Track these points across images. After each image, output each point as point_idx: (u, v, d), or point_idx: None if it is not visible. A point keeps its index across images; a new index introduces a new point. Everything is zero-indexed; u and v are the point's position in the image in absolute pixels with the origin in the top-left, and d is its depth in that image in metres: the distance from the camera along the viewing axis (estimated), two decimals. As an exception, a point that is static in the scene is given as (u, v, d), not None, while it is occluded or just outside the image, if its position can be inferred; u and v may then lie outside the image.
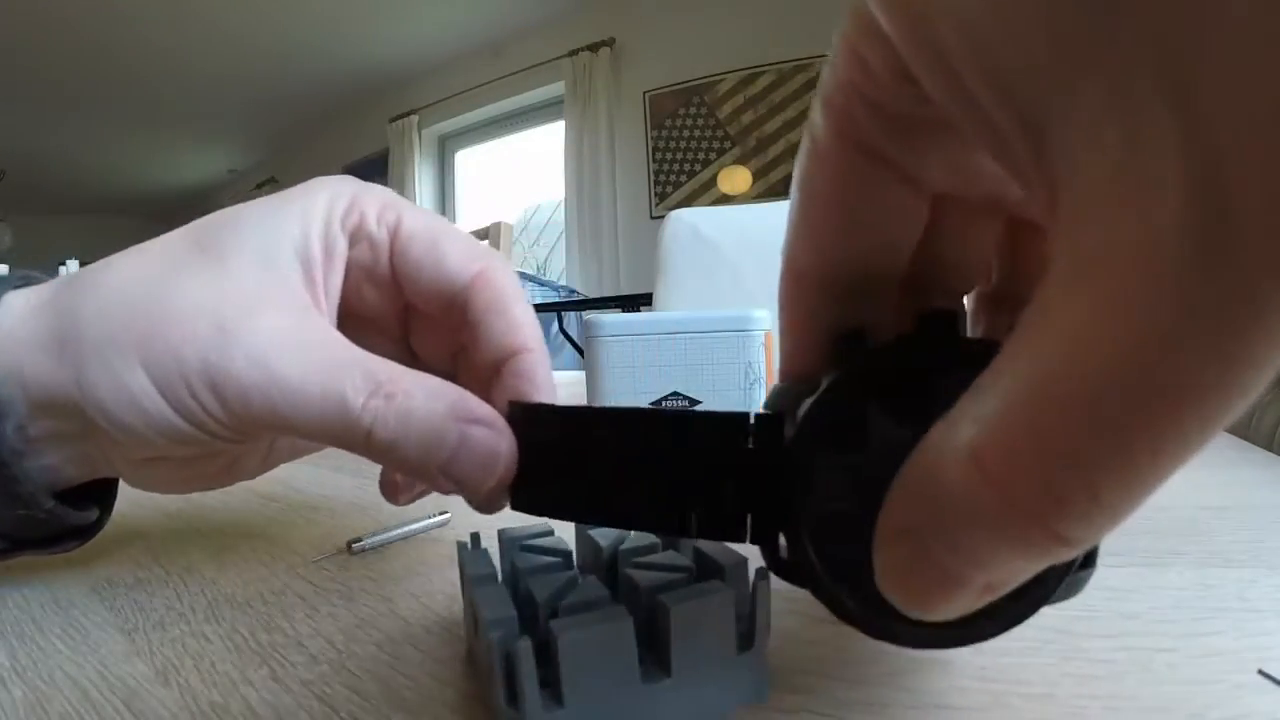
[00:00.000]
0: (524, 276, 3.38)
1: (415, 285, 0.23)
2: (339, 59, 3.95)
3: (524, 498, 0.18)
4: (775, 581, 0.15)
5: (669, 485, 0.14)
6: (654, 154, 3.45)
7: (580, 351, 1.94)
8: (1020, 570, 0.10)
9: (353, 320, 0.23)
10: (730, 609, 0.15)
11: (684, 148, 3.38)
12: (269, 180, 5.05)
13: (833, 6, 0.12)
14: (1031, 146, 0.09)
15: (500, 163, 4.41)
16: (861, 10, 0.11)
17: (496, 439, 0.18)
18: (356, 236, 0.22)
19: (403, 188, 4.25)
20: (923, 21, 0.10)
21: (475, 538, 0.20)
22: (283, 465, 0.27)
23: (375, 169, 4.42)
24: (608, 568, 0.19)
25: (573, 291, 3.39)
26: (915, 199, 0.14)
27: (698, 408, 0.45)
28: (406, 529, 0.30)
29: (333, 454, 0.19)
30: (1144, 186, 0.07)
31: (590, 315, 0.50)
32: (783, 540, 0.14)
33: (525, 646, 0.13)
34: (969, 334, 0.18)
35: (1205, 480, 0.33)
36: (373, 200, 0.22)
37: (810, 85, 2.96)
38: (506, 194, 4.39)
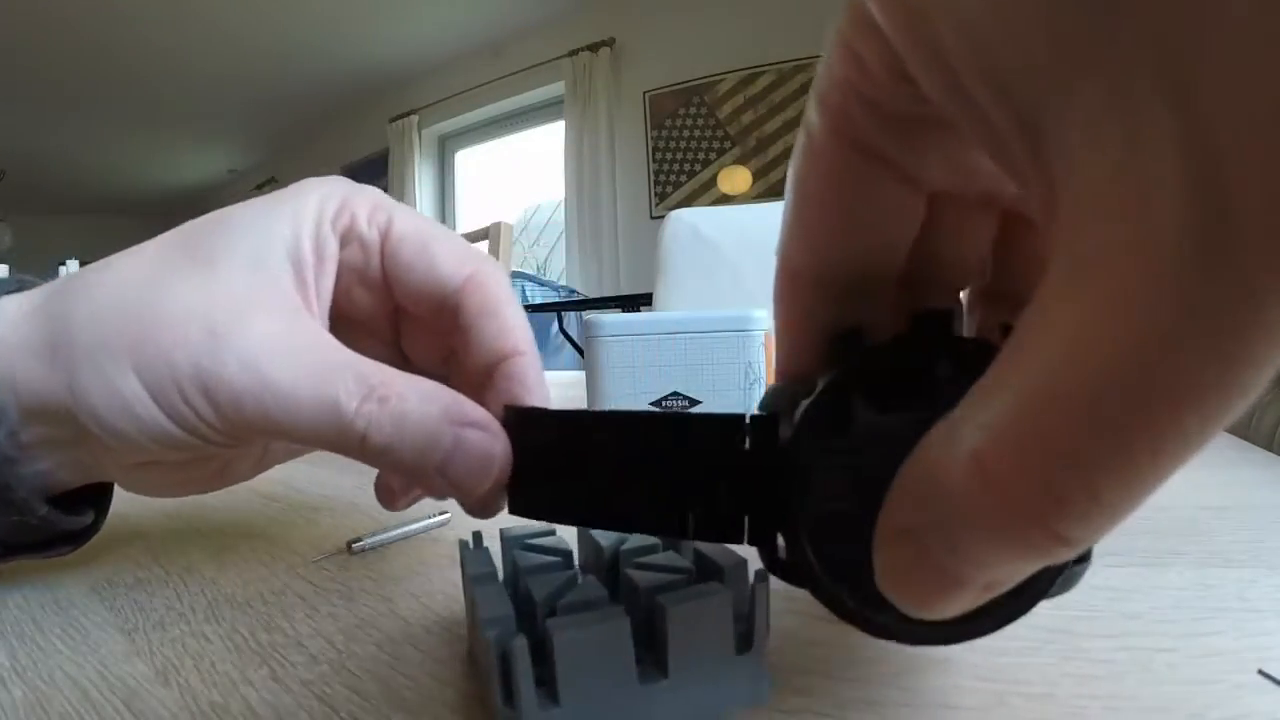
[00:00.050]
0: (524, 276, 3.38)
1: (406, 288, 0.23)
2: (339, 59, 3.95)
3: (521, 501, 0.18)
4: (775, 581, 0.15)
5: (665, 487, 0.14)
6: (654, 154, 3.45)
7: (580, 351, 1.94)
8: (1019, 570, 0.10)
9: (344, 323, 0.23)
10: (729, 610, 0.15)
11: (684, 148, 3.38)
12: (269, 180, 5.05)
13: (833, 6, 0.12)
14: (1029, 146, 0.09)
15: (500, 163, 4.42)
16: (857, 6, 0.11)
17: (491, 441, 0.18)
18: (347, 238, 0.22)
19: (403, 188, 4.26)
20: (920, 19, 0.10)
21: (477, 537, 0.20)
22: (283, 465, 0.27)
23: (375, 169, 4.42)
24: (609, 568, 0.19)
25: (573, 291, 3.39)
26: (912, 197, 0.14)
27: (697, 408, 0.45)
28: (406, 529, 0.30)
29: (331, 454, 0.19)
30: (1144, 187, 0.07)
31: (590, 315, 0.50)
32: (781, 540, 0.14)
33: (521, 645, 0.13)
34: (965, 330, 0.18)
35: (1205, 480, 0.33)
36: (363, 201, 0.22)
37: (810, 85, 2.94)
38: (506, 194, 4.40)
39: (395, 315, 0.24)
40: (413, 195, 4.27)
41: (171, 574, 0.26)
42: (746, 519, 0.14)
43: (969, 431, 0.09)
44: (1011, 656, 0.17)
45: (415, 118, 4.30)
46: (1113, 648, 0.18)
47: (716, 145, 3.30)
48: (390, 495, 0.24)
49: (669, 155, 3.42)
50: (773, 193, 3.08)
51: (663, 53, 3.39)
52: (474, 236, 1.47)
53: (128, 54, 3.56)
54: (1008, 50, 0.09)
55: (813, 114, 0.13)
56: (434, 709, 0.17)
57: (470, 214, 4.46)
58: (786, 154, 3.17)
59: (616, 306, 2.44)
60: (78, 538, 0.24)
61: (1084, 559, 0.14)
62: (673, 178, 3.41)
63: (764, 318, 0.46)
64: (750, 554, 0.16)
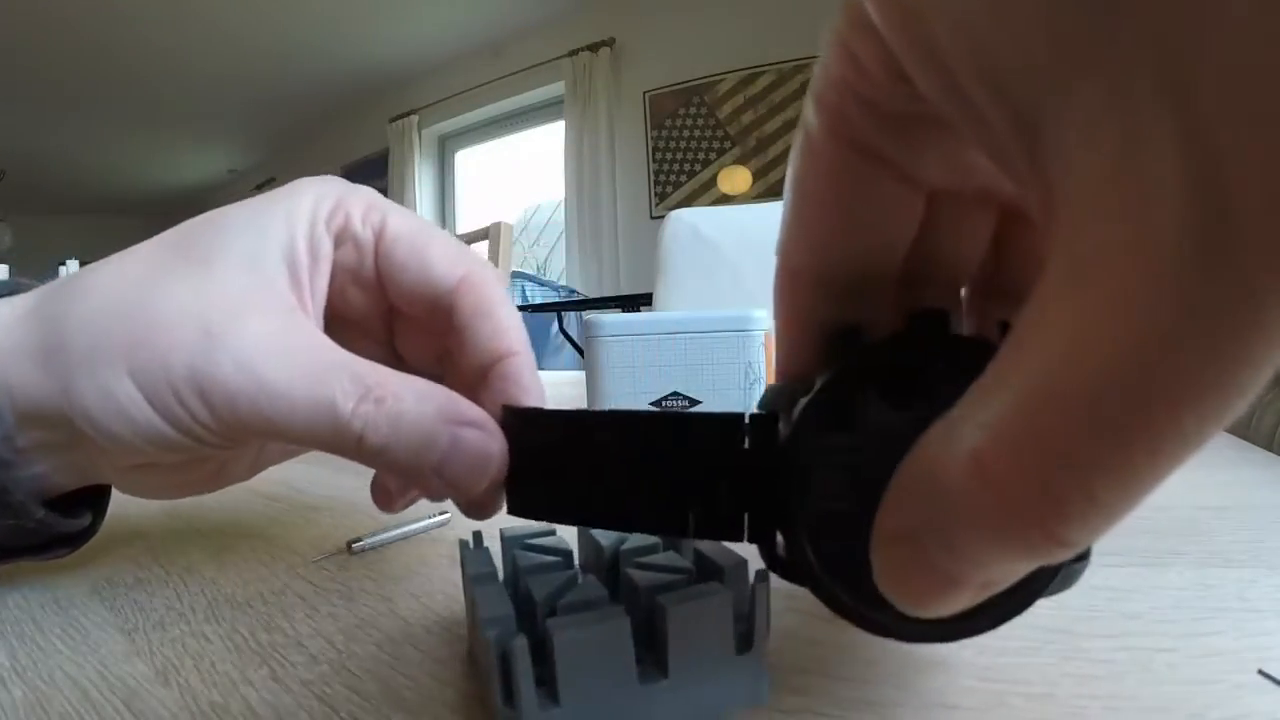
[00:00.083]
0: (524, 276, 3.39)
1: (400, 288, 0.22)
2: (339, 59, 3.95)
3: (519, 501, 0.18)
4: (776, 581, 0.15)
5: (664, 487, 0.14)
6: (654, 154, 3.45)
7: (580, 351, 1.94)
8: (1017, 569, 0.10)
9: (338, 323, 0.23)
10: (728, 610, 0.15)
11: (684, 148, 3.38)
12: (269, 180, 5.04)
13: (832, 7, 0.12)
14: (1026, 145, 0.09)
15: (500, 163, 4.42)
16: (854, 6, 0.11)
17: (488, 440, 0.18)
18: (342, 238, 0.22)
19: (403, 188, 4.26)
20: (915, 19, 0.10)
21: (477, 536, 0.20)
22: (283, 465, 0.27)
23: (375, 169, 4.42)
24: (609, 568, 0.19)
25: (573, 291, 3.39)
26: (910, 195, 0.14)
27: (697, 408, 0.45)
28: (406, 529, 0.30)
29: (329, 454, 0.19)
30: (1143, 187, 0.07)
31: (590, 315, 0.50)
32: (780, 539, 0.14)
33: (521, 645, 0.13)
34: (963, 327, 0.18)
35: (1205, 480, 0.33)
36: (358, 201, 0.22)
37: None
38: (506, 194, 4.39)
39: (389, 315, 0.24)
40: (413, 195, 4.27)
41: (171, 574, 0.26)
42: (746, 517, 0.14)
43: (968, 430, 0.09)
44: (1011, 656, 0.17)
45: (415, 118, 4.30)
46: (1113, 648, 0.18)
47: (716, 145, 3.30)
48: (387, 497, 0.24)
49: (669, 155, 3.42)
50: (773, 193, 3.08)
51: (663, 53, 3.39)
52: (474, 236, 1.47)
53: (128, 54, 3.56)
54: (1005, 50, 0.09)
55: (810, 114, 0.13)
56: (434, 709, 0.17)
57: (470, 214, 4.47)
58: (786, 154, 3.14)
59: (616, 306, 2.44)
60: (75, 540, 0.24)
61: (1082, 557, 0.14)
62: (673, 178, 3.41)
63: (764, 318, 0.46)
64: (750, 554, 0.16)
